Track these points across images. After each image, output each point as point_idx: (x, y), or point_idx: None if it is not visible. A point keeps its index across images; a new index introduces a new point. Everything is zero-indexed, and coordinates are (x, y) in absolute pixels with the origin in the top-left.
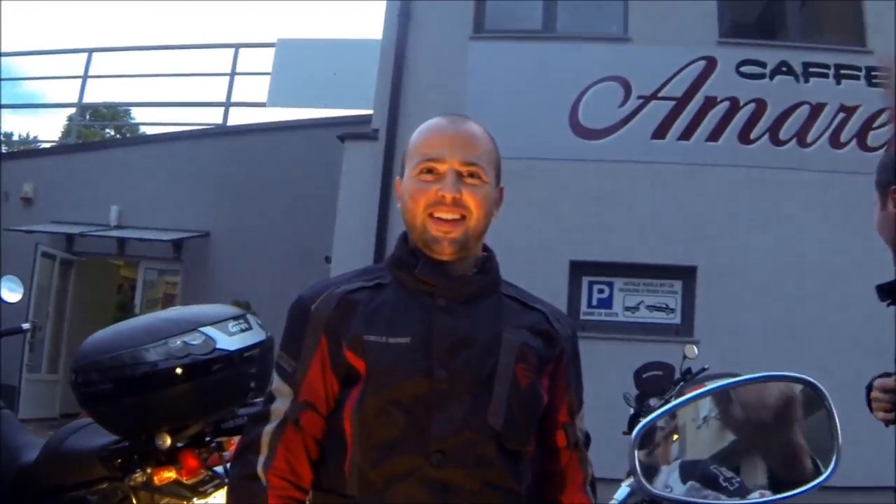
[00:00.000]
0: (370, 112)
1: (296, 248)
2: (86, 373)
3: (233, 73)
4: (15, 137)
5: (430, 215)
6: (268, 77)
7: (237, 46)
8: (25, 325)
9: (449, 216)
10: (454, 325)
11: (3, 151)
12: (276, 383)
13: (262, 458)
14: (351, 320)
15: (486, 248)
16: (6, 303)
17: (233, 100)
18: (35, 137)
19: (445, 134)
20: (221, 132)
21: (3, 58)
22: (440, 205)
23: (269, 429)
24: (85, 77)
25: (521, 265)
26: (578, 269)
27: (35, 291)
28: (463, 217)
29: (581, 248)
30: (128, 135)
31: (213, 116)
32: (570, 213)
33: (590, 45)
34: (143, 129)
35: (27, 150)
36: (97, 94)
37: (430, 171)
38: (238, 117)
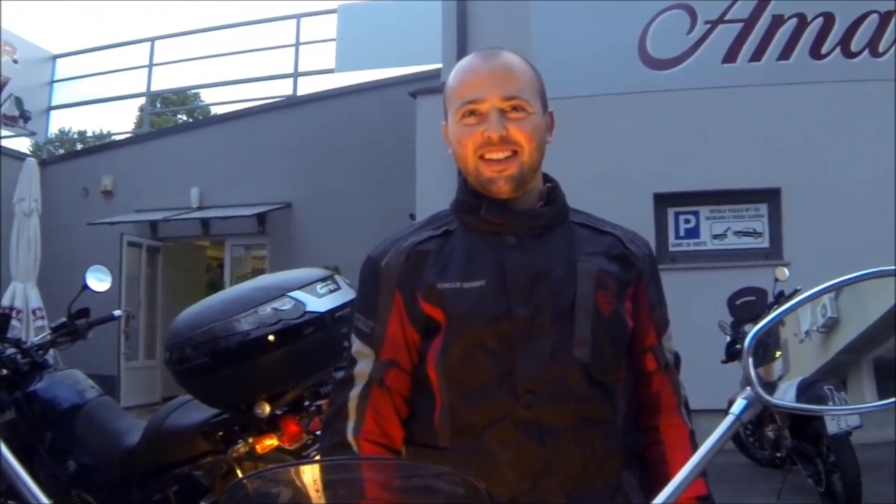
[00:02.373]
0: (439, 66)
1: (379, 208)
2: (179, 350)
3: (297, 44)
4: (89, 134)
5: (481, 157)
6: (334, 44)
7: (299, 17)
8: (117, 312)
9: (500, 155)
10: (528, 261)
11: (79, 149)
12: (356, 346)
13: (350, 424)
14: (423, 271)
15: (549, 179)
16: (95, 292)
17: (300, 70)
18: (108, 132)
19: (481, 72)
20: (293, 103)
21: (62, 58)
22: (488, 146)
23: (354, 393)
24: (150, 66)
25: (603, 202)
26: (662, 200)
27: (125, 281)
28: (514, 153)
29: (663, 180)
30: (200, 117)
31: (283, 89)
32: (649, 145)
33: None
34: (213, 110)
35: (102, 145)
36: (164, 81)
37: (472, 112)
38: (308, 87)
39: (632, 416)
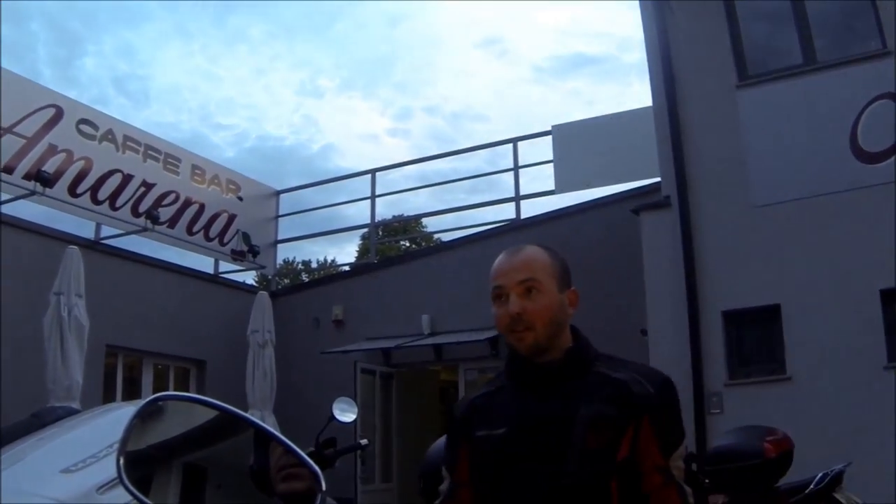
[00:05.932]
0: (658, 180)
1: (610, 326)
2: (433, 477)
3: (516, 167)
4: (314, 265)
5: (510, 331)
6: (551, 165)
7: (515, 140)
8: (363, 442)
9: (519, 328)
10: (537, 408)
11: (305, 279)
12: (443, 470)
13: None
14: (473, 419)
15: (578, 338)
16: (342, 423)
17: (521, 192)
18: (333, 261)
19: (503, 265)
20: (516, 227)
21: (285, 193)
22: (512, 323)
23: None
24: (373, 197)
25: (828, 299)
26: (891, 297)
27: (359, 407)
28: (529, 328)
29: (891, 276)
30: (423, 244)
31: (505, 213)
32: (874, 241)
33: (854, 68)
34: (437, 236)
35: (330, 275)
36: (386, 209)
37: (499, 296)
38: (529, 209)
39: None
